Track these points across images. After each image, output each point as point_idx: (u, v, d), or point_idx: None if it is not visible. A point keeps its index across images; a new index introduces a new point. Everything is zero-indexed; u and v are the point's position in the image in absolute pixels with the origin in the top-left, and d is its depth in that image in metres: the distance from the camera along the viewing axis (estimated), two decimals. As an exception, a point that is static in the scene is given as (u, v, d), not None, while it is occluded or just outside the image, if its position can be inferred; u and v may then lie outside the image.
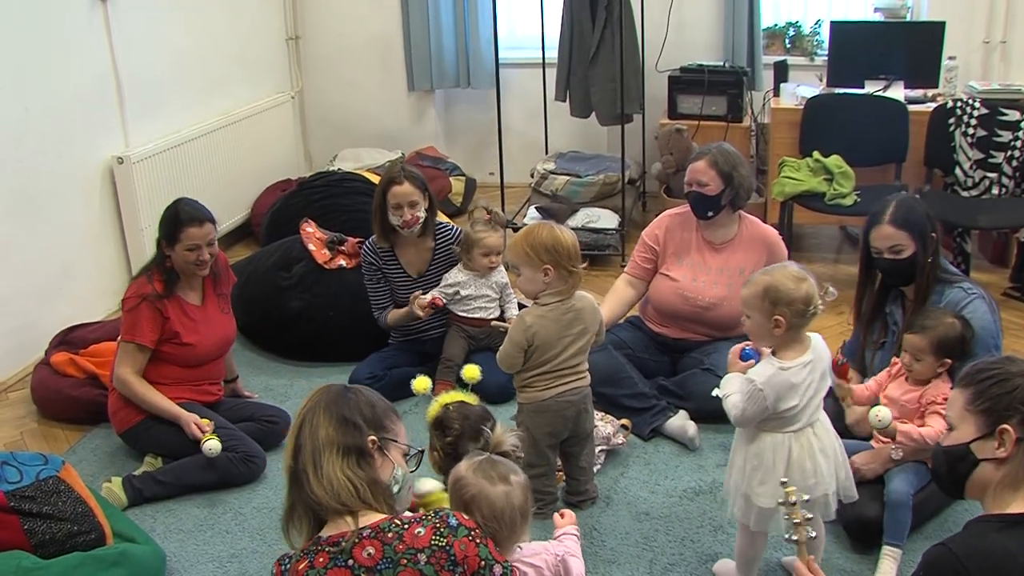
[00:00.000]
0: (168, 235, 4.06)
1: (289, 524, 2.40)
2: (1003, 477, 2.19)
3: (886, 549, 3.37)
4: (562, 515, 2.89)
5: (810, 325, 3.02)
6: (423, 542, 2.22)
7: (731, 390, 3.05)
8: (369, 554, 2.21)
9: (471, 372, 4.03)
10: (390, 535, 2.23)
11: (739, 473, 3.13)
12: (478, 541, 2.28)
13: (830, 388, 4.14)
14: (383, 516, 2.30)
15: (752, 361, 3.08)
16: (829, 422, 3.14)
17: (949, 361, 3.42)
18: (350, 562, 2.21)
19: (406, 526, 2.25)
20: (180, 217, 4.05)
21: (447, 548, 2.22)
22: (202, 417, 4.05)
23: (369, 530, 2.24)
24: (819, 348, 3.06)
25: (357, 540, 2.23)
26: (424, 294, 4.56)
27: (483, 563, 2.26)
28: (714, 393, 3.19)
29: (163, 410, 4.04)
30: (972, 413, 2.22)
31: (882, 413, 3.33)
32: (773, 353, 3.04)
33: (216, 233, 4.12)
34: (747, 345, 3.14)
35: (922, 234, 3.60)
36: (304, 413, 2.40)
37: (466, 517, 2.34)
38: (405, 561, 2.20)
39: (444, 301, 4.58)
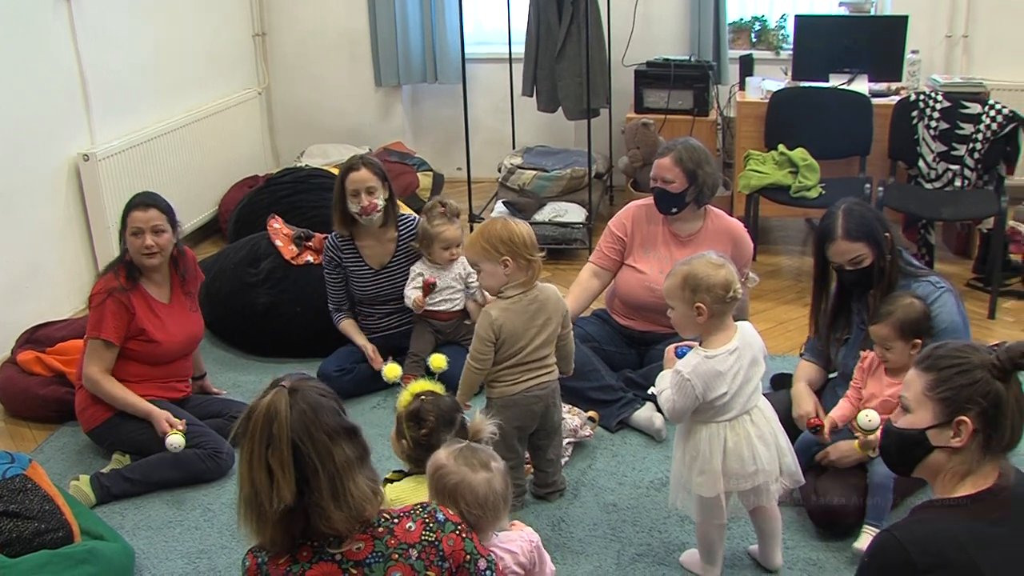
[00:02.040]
0: (121, 223, 4.08)
1: (270, 551, 2.21)
2: (954, 465, 2.22)
3: (867, 528, 3.43)
4: (512, 525, 2.91)
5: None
6: (414, 537, 2.22)
7: (664, 386, 3.10)
8: (358, 548, 2.19)
9: (438, 361, 4.04)
10: (380, 529, 2.22)
11: (679, 465, 3.20)
12: (464, 535, 2.29)
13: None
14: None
15: None
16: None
17: (919, 341, 3.43)
18: (337, 556, 2.18)
19: (396, 520, 2.24)
20: (130, 203, 4.08)
21: (436, 543, 2.23)
22: (173, 414, 4.05)
23: (358, 524, 2.21)
24: (747, 335, 3.12)
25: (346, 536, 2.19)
26: (386, 363, 4.58)
27: (468, 557, 2.27)
28: (650, 391, 3.25)
29: (134, 407, 4.03)
30: (931, 399, 2.22)
31: (872, 416, 3.33)
32: (700, 344, 3.09)
33: (165, 222, 4.06)
34: (682, 344, 3.18)
35: (876, 240, 3.60)
36: (293, 440, 2.12)
37: (451, 512, 2.34)
38: (396, 556, 2.19)
39: (434, 279, 4.59)
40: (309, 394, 2.19)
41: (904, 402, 2.29)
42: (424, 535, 2.23)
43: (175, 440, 3.92)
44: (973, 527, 2.12)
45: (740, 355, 3.07)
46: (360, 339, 4.72)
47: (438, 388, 3.22)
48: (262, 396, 2.19)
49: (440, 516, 2.28)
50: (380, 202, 4.57)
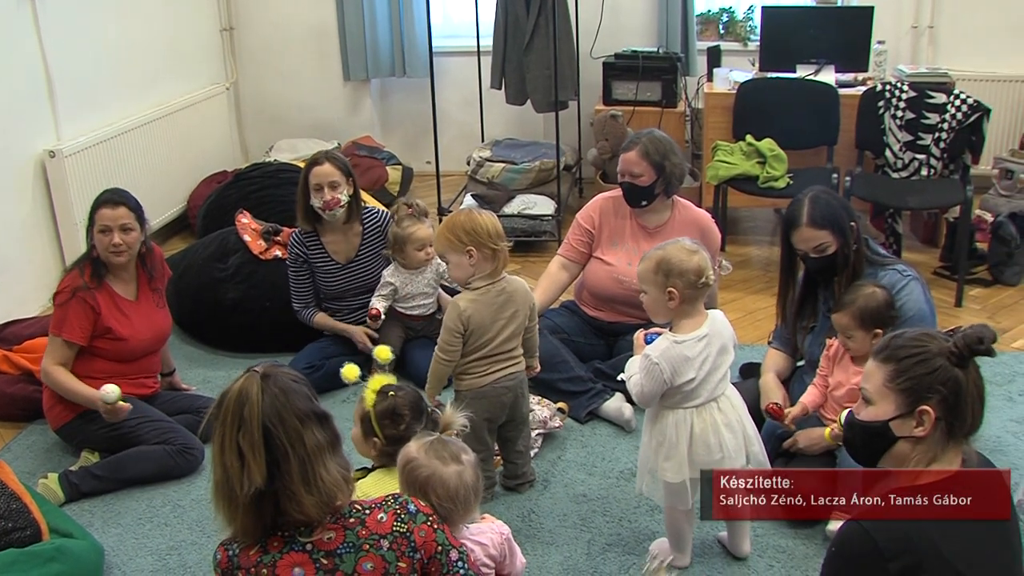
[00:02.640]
0: (88, 220, 4.05)
1: (241, 541, 2.22)
2: (918, 454, 2.22)
3: (837, 513, 3.44)
4: (483, 518, 2.92)
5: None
6: (385, 528, 2.22)
7: (633, 370, 3.13)
8: (329, 538, 2.19)
9: (384, 353, 4.00)
10: (351, 520, 2.22)
11: (645, 450, 3.23)
12: (435, 527, 2.29)
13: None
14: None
15: None
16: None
17: (880, 331, 3.45)
18: (308, 546, 2.18)
19: (367, 511, 2.24)
20: (97, 200, 4.05)
21: (408, 534, 2.23)
22: (138, 411, 4.03)
23: (329, 515, 2.21)
24: (717, 323, 3.15)
25: (316, 523, 2.19)
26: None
27: (440, 548, 2.28)
28: (620, 377, 3.26)
29: (84, 398, 4.00)
30: (892, 391, 2.22)
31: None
32: (670, 329, 3.11)
33: (134, 220, 4.04)
34: (651, 331, 3.21)
35: (841, 228, 3.62)
36: (264, 423, 2.13)
37: (423, 503, 2.34)
38: (368, 547, 2.19)
39: (382, 310, 4.60)
40: (281, 379, 2.21)
41: (865, 394, 2.29)
42: (396, 526, 2.23)
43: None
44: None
45: (709, 342, 3.10)
46: (341, 325, 4.72)
47: (391, 379, 3.22)
48: (235, 382, 2.21)
49: (412, 507, 2.28)
50: (343, 197, 4.56)
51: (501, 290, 3.59)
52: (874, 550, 2.09)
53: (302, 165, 6.16)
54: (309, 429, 2.18)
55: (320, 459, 2.18)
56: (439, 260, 4.59)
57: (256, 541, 2.20)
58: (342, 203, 4.56)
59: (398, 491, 2.61)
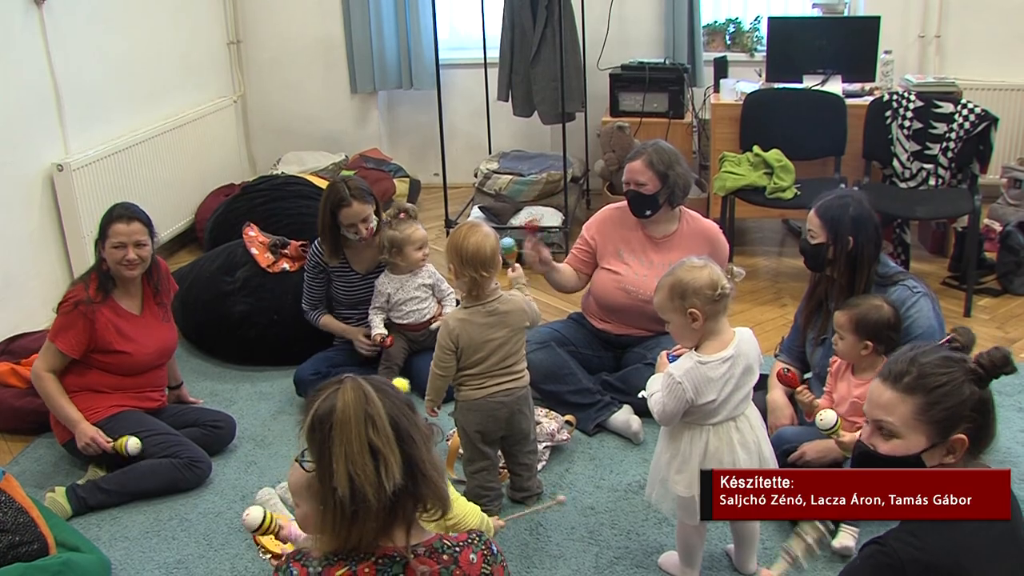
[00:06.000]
0: (100, 233, 4.06)
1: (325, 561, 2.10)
2: None
3: (845, 528, 3.47)
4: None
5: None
6: (476, 570, 2.16)
7: (655, 389, 3.11)
8: (423, 573, 2.10)
9: (400, 385, 3.99)
10: (445, 557, 2.14)
11: (658, 460, 3.21)
12: (505, 566, 2.25)
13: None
14: (433, 534, 2.18)
15: None
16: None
17: (870, 344, 3.46)
18: None
19: (459, 549, 2.17)
20: (111, 214, 4.06)
21: None
22: (144, 424, 4.04)
23: (423, 548, 2.13)
24: (744, 344, 3.11)
25: (412, 556, 2.09)
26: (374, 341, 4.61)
27: None
28: (640, 395, 3.24)
29: (64, 415, 4.02)
30: (923, 423, 2.16)
31: (825, 416, 3.26)
32: (695, 348, 3.09)
33: (147, 236, 4.07)
34: (675, 350, 3.19)
35: (835, 229, 3.66)
36: (391, 414, 2.06)
37: (497, 544, 2.27)
38: None
39: (385, 332, 4.61)
40: (371, 378, 2.14)
41: (888, 427, 2.21)
42: (484, 568, 2.18)
43: (133, 443, 3.94)
44: (965, 540, 2.10)
45: (734, 363, 3.07)
46: (344, 327, 4.74)
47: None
48: (326, 397, 2.09)
49: (494, 548, 2.23)
50: (375, 223, 4.59)
51: (492, 310, 3.60)
52: (901, 574, 2.07)
53: (310, 177, 6.20)
54: (415, 412, 2.14)
55: (428, 445, 2.12)
56: (430, 266, 4.66)
57: (350, 557, 2.08)
58: (376, 229, 4.60)
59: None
